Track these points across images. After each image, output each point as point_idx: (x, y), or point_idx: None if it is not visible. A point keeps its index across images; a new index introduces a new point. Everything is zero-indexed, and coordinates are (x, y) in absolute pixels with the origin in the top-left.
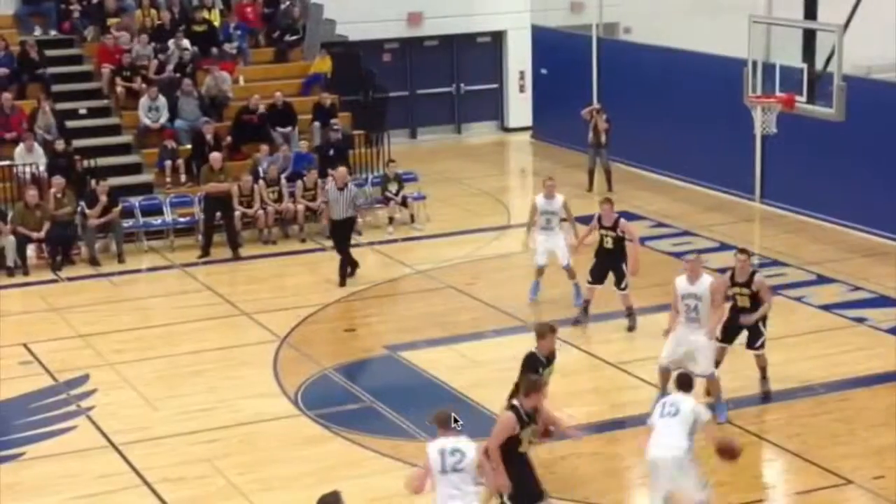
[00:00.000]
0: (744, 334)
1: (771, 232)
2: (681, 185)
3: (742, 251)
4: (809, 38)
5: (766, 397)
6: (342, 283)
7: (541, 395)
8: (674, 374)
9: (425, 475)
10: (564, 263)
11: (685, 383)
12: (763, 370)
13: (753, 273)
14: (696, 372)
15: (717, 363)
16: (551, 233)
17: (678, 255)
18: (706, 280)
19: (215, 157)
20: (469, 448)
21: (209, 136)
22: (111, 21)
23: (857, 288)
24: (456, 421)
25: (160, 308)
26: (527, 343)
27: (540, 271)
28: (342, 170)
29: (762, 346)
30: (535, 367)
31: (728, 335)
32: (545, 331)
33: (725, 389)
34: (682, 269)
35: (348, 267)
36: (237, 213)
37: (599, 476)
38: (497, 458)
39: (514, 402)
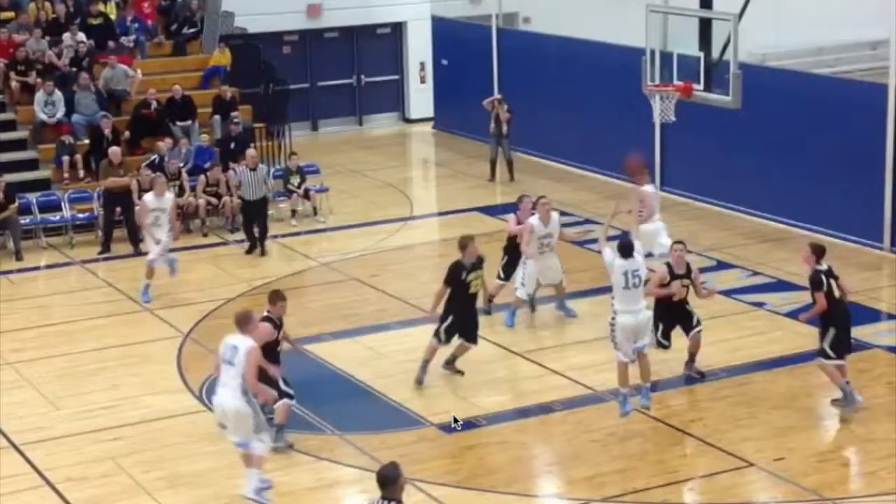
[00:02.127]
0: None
1: (671, 219)
2: (582, 173)
3: (678, 242)
4: (706, 26)
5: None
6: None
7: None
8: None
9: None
10: (558, 281)
11: (627, 249)
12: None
13: (688, 263)
14: (556, 282)
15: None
16: (548, 254)
17: (581, 244)
18: (556, 217)
19: (115, 151)
20: (242, 346)
21: (107, 131)
22: (4, 15)
23: (756, 273)
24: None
25: (60, 306)
26: (430, 334)
27: (530, 303)
28: (251, 151)
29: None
30: (458, 275)
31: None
32: (466, 241)
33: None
34: (537, 212)
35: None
36: (138, 208)
37: (506, 465)
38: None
39: (266, 312)
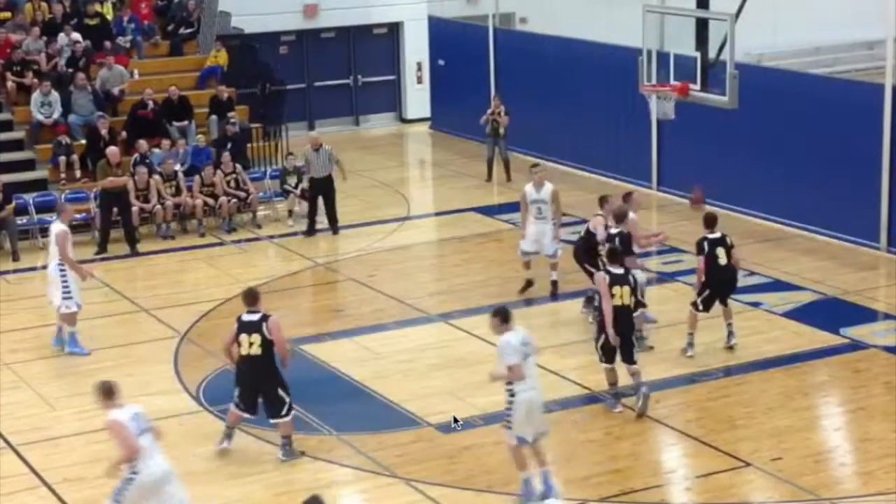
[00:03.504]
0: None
1: (668, 219)
2: (579, 173)
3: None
4: (702, 27)
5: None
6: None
7: None
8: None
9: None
10: (550, 252)
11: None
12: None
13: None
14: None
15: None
16: (542, 222)
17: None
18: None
19: (113, 151)
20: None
21: (104, 132)
22: (1, 15)
23: (753, 273)
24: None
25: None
26: (428, 334)
27: (526, 264)
28: (314, 133)
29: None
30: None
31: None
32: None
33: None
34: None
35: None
36: (135, 209)
37: (503, 465)
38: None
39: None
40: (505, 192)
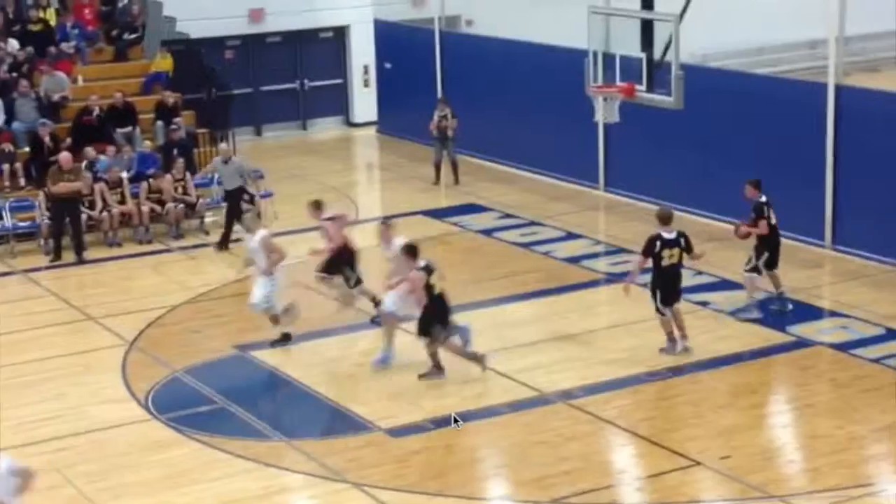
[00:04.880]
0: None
1: (616, 219)
2: (526, 175)
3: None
4: (647, 27)
5: (642, 379)
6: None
7: None
8: None
9: None
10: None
11: None
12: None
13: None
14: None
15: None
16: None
17: (525, 245)
18: (397, 242)
19: (66, 156)
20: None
21: (46, 138)
22: None
23: (700, 272)
24: None
25: (2, 316)
26: (376, 338)
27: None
28: (223, 145)
29: None
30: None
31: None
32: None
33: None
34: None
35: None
36: (83, 216)
37: (454, 468)
38: None
39: None
40: (452, 194)
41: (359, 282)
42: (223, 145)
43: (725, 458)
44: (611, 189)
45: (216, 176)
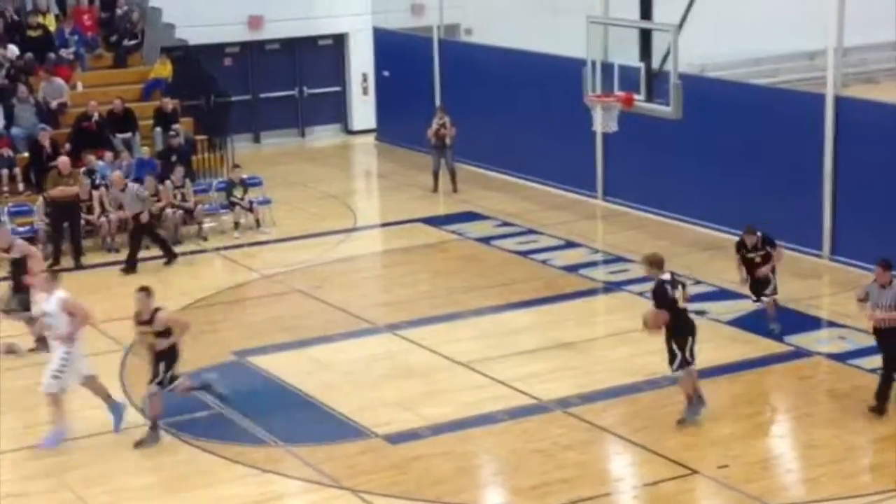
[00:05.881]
0: None
1: (613, 228)
2: (525, 184)
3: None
4: (646, 37)
5: (639, 388)
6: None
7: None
8: None
9: None
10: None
11: None
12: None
13: (156, 310)
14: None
15: None
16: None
17: (523, 253)
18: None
19: (64, 161)
20: None
21: (45, 144)
22: None
23: (698, 282)
24: None
25: (0, 320)
26: (375, 344)
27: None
28: (117, 174)
29: None
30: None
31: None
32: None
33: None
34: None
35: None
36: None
37: (452, 475)
38: None
39: None
40: (451, 202)
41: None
42: (117, 173)
43: (723, 467)
44: (609, 198)
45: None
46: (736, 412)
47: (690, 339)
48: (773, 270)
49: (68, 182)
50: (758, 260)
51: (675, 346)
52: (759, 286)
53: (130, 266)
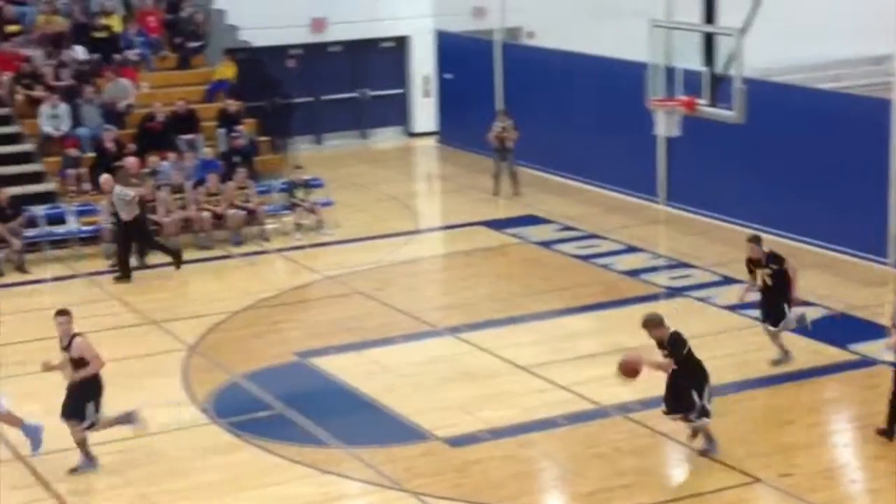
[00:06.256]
0: None
1: (675, 233)
2: (586, 188)
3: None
4: (709, 41)
5: None
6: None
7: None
8: None
9: None
10: None
11: None
12: None
13: (74, 336)
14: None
15: None
16: None
17: (585, 257)
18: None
19: (131, 161)
20: None
21: (109, 144)
22: (10, 28)
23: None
24: None
25: None
26: (436, 347)
27: None
28: (105, 176)
29: None
30: None
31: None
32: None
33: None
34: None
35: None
36: None
37: (511, 479)
38: None
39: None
40: (512, 205)
41: None
42: (104, 176)
43: (786, 475)
44: (672, 203)
45: (277, 184)
46: (800, 420)
47: (707, 386)
48: (788, 291)
49: (134, 182)
50: (768, 282)
51: (695, 396)
52: (771, 311)
53: (125, 274)
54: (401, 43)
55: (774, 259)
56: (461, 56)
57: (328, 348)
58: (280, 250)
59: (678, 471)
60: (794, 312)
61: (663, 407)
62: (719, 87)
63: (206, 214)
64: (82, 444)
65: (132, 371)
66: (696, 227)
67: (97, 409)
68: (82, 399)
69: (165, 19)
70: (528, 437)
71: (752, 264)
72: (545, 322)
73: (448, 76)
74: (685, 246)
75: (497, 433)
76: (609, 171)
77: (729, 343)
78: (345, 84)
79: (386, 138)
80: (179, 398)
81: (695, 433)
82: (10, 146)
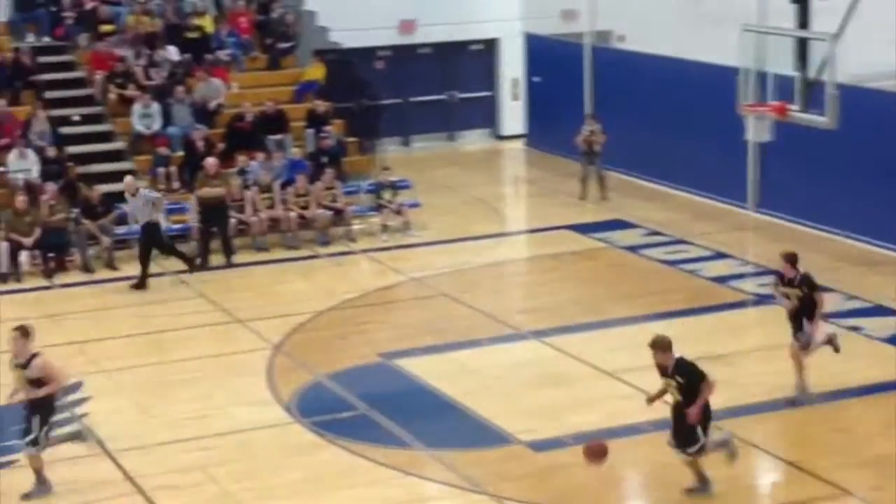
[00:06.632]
0: None
1: (765, 240)
2: (674, 192)
3: None
4: (802, 46)
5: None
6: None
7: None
8: None
9: None
10: None
11: None
12: None
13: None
14: None
15: None
16: None
17: (672, 263)
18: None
19: (210, 161)
20: None
21: (199, 143)
22: (104, 28)
23: (853, 297)
24: None
25: (154, 315)
26: (520, 350)
27: None
28: (128, 178)
29: None
30: None
31: None
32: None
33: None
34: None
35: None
36: (232, 220)
37: (595, 485)
38: None
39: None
40: (599, 210)
41: None
42: (128, 177)
43: (877, 489)
44: (762, 209)
45: (364, 185)
46: (891, 432)
47: (710, 421)
48: (810, 319)
49: (213, 183)
50: (795, 302)
51: (699, 431)
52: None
53: (141, 283)
54: (490, 45)
55: (806, 282)
56: (550, 59)
57: (412, 350)
58: (366, 251)
59: (766, 480)
60: (819, 332)
61: (671, 440)
62: (812, 92)
63: (293, 214)
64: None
65: (217, 369)
66: (786, 234)
67: (42, 426)
68: (33, 416)
69: (256, 20)
70: (613, 443)
71: (781, 281)
72: (631, 327)
73: (536, 79)
74: (774, 253)
75: (581, 438)
76: (698, 176)
77: (820, 353)
78: (433, 86)
79: (473, 141)
80: (264, 397)
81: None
82: (102, 144)
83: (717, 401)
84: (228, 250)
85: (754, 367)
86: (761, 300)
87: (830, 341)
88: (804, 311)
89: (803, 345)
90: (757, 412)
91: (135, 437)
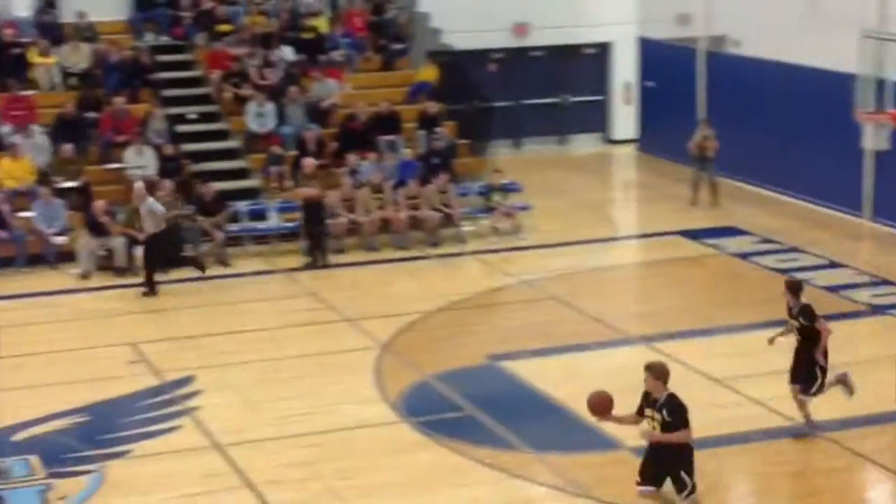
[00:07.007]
0: None
1: (881, 250)
2: (787, 200)
3: None
4: None
5: None
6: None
7: None
8: None
9: None
10: None
11: None
12: None
13: None
14: None
15: None
16: None
17: (784, 271)
18: None
19: (307, 162)
20: None
21: (310, 143)
22: (221, 28)
23: None
24: None
25: (264, 312)
26: (627, 355)
27: None
28: (138, 184)
29: None
30: None
31: None
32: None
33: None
34: None
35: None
36: (342, 220)
37: (701, 493)
38: None
39: None
40: (710, 216)
41: None
42: (138, 185)
43: None
44: (878, 218)
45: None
46: None
47: (693, 460)
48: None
49: (311, 183)
50: (795, 335)
51: (684, 474)
52: (800, 373)
53: (150, 288)
54: (603, 49)
55: (805, 314)
56: (663, 63)
57: (520, 352)
58: (476, 253)
59: (875, 494)
60: (830, 375)
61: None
62: None
63: (403, 215)
64: None
65: (325, 367)
66: None
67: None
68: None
69: (370, 21)
70: (719, 451)
71: (789, 312)
72: (741, 335)
73: (649, 84)
74: (891, 263)
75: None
76: (812, 183)
77: None
78: (545, 89)
79: (585, 145)
80: (371, 396)
81: None
82: (216, 142)
83: (825, 410)
84: (322, 250)
85: (867, 377)
86: (876, 310)
87: (842, 381)
88: (806, 348)
89: (813, 394)
90: (869, 423)
91: (243, 431)
